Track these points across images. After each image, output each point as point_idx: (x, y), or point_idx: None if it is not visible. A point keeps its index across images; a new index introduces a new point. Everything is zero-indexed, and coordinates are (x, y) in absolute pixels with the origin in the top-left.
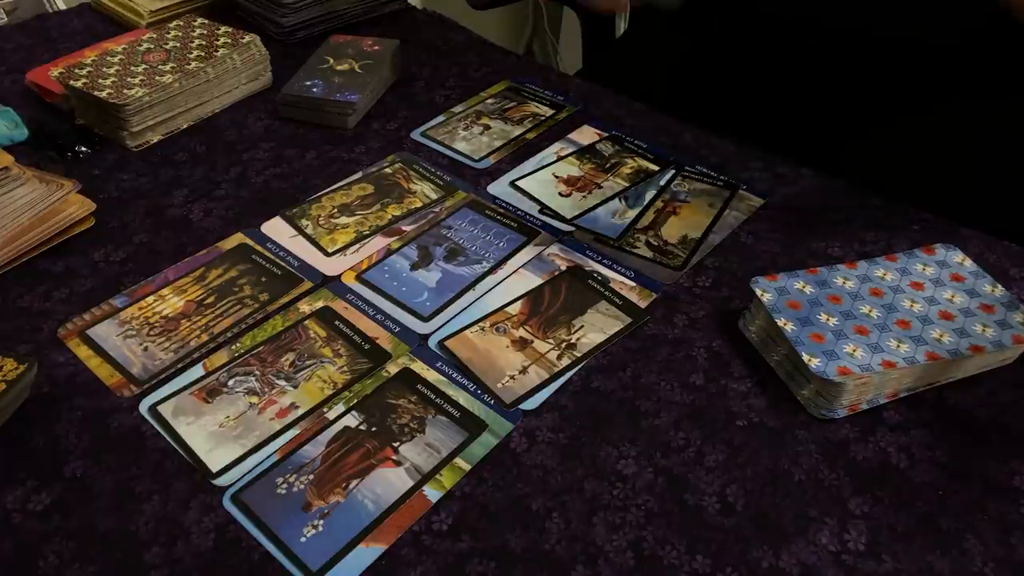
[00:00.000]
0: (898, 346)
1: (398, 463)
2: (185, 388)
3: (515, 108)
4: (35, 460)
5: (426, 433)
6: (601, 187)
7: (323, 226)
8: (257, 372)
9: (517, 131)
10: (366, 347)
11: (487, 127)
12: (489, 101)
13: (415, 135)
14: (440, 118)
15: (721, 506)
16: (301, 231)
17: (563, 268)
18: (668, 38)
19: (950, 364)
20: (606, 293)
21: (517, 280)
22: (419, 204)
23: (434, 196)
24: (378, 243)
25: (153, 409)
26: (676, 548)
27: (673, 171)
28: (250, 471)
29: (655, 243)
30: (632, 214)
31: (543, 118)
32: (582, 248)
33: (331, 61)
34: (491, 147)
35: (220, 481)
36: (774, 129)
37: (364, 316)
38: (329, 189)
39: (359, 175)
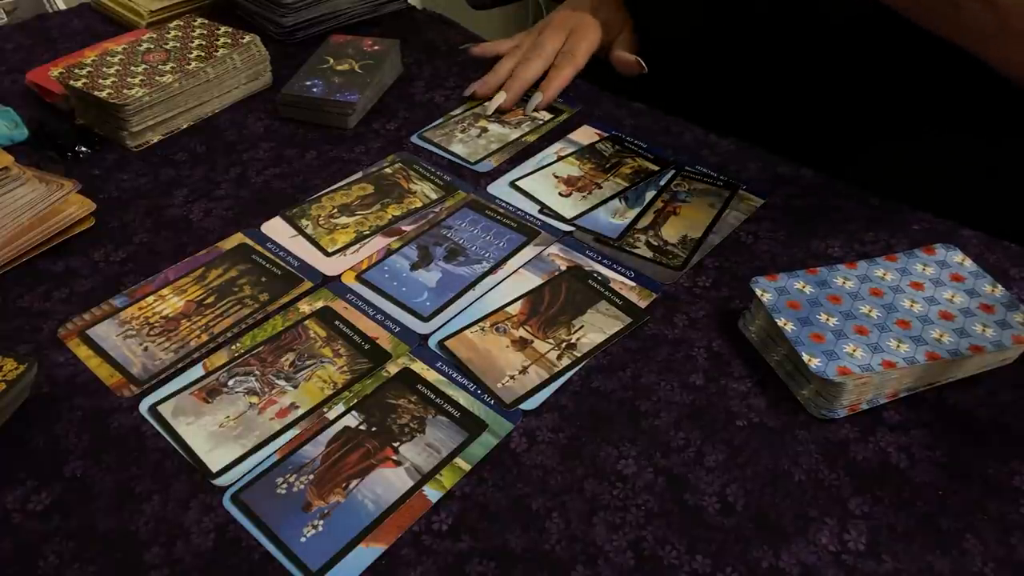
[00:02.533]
0: (898, 346)
1: (398, 463)
2: (185, 388)
3: (514, 111)
4: (35, 460)
5: (426, 433)
6: (601, 187)
7: (323, 226)
8: (257, 372)
9: (515, 134)
10: (366, 347)
11: (484, 130)
12: (487, 103)
13: (414, 138)
14: (438, 120)
15: (721, 506)
16: (301, 231)
17: (563, 268)
18: (668, 38)
19: (950, 364)
20: (606, 293)
21: (517, 280)
22: (419, 204)
23: (434, 196)
24: (378, 243)
25: (153, 409)
26: (676, 548)
27: (673, 171)
28: (250, 471)
29: (655, 243)
30: (632, 214)
31: (542, 121)
32: (582, 248)
33: (331, 61)
34: (488, 150)
35: (220, 481)
36: (774, 129)
37: (364, 316)
38: (329, 189)
39: (359, 175)
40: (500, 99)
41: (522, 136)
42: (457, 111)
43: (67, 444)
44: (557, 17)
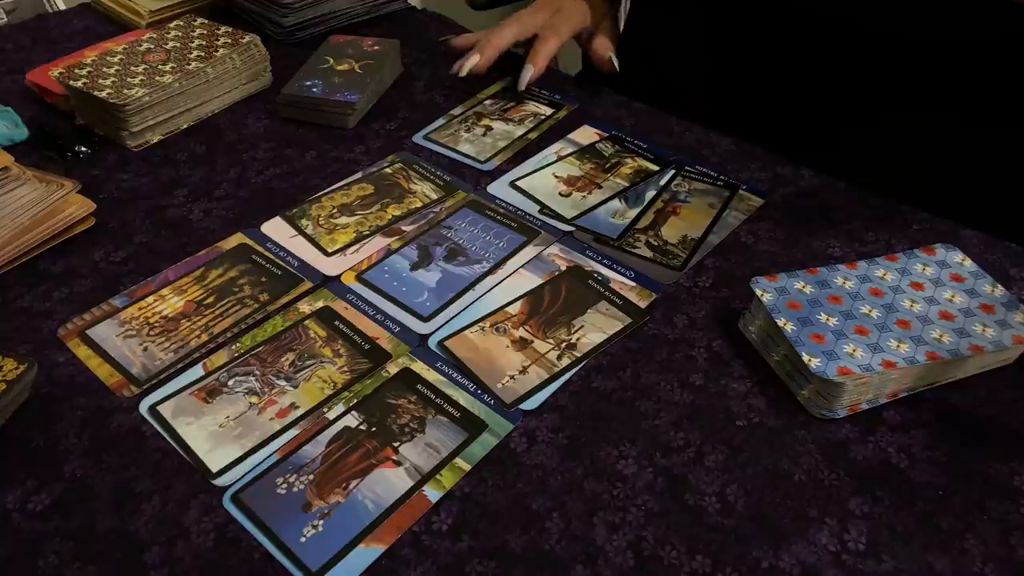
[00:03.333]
0: (898, 346)
1: (398, 463)
2: (185, 388)
3: (515, 108)
4: (35, 460)
5: (426, 433)
6: (601, 187)
7: (323, 226)
8: (257, 372)
9: (520, 131)
10: (366, 347)
11: (489, 128)
12: (488, 102)
13: (417, 139)
14: (440, 121)
15: (721, 506)
16: (301, 231)
17: (563, 268)
18: (667, 38)
19: (950, 364)
20: (606, 293)
21: (517, 280)
22: (419, 204)
23: (434, 196)
24: (378, 243)
25: (153, 409)
26: (676, 548)
27: (673, 171)
28: (250, 471)
29: (655, 243)
30: (632, 214)
31: (544, 117)
32: (582, 248)
33: (331, 61)
34: (495, 148)
35: (220, 481)
36: (774, 129)
37: (364, 316)
38: (329, 189)
39: (359, 175)
40: (473, 60)
41: (527, 132)
42: (458, 110)
43: (67, 444)
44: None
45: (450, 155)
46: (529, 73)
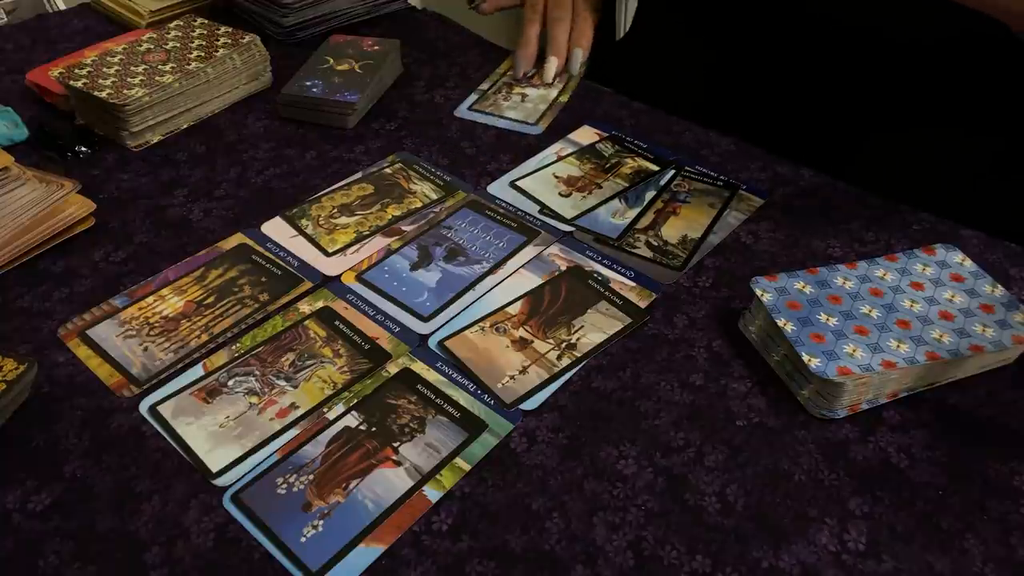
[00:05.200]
0: (898, 346)
1: (398, 463)
2: (185, 388)
3: (536, 76)
4: (35, 460)
5: (426, 433)
6: (601, 187)
7: (323, 226)
8: (257, 372)
9: (552, 93)
10: (366, 347)
11: (524, 95)
12: (509, 75)
13: (461, 112)
14: (473, 97)
15: (721, 506)
16: (301, 231)
17: (563, 268)
18: (669, 39)
19: (950, 364)
20: (606, 293)
21: (517, 280)
22: (419, 204)
23: (434, 196)
24: (378, 243)
25: (153, 409)
26: (676, 548)
27: (673, 171)
28: (250, 471)
29: (655, 243)
30: (632, 214)
31: (566, 81)
32: (582, 248)
33: (331, 61)
34: (539, 112)
35: (220, 481)
36: (774, 129)
37: (364, 316)
38: (329, 189)
39: (359, 175)
40: (554, 65)
41: (559, 95)
42: (485, 85)
43: (67, 444)
44: None
45: (497, 124)
46: (581, 58)
